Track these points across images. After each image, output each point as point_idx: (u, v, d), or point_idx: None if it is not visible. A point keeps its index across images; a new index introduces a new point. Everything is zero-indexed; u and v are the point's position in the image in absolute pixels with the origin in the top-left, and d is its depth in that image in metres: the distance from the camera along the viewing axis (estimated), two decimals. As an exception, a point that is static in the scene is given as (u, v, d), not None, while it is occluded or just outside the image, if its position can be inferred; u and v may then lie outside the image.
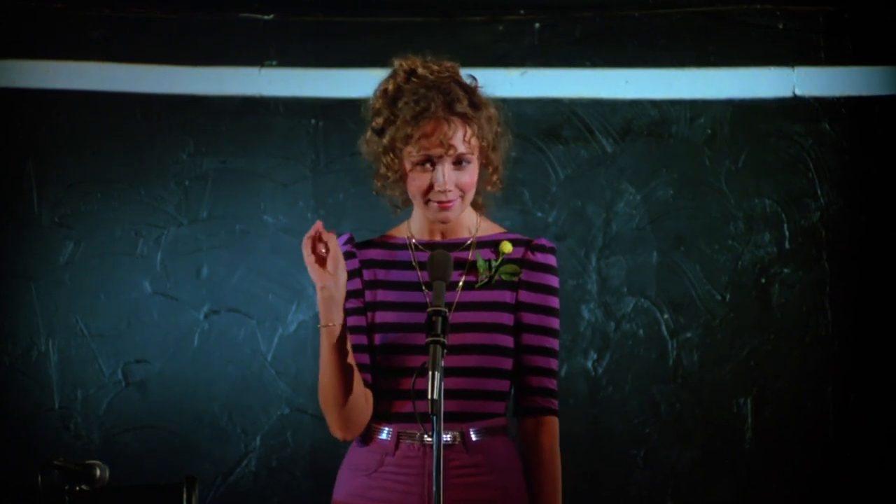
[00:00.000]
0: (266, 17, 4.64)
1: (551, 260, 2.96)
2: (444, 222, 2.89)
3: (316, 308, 4.54)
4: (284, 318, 4.57)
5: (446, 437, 2.84)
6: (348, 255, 2.94)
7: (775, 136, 4.60)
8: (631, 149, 4.62)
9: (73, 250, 4.58)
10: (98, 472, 2.86)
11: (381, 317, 2.90)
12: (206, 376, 4.55)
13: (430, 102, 2.80)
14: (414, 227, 2.96)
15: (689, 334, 4.57)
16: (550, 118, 4.62)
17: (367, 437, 2.91)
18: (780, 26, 4.61)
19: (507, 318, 2.91)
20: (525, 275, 2.92)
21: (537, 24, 4.64)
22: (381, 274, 2.93)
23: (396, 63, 2.90)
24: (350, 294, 2.91)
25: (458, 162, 2.84)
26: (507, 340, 2.90)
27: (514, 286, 2.92)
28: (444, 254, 2.75)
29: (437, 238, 2.94)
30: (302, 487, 4.52)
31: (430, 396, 2.52)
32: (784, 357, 4.55)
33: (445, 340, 2.58)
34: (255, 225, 4.60)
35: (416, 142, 2.81)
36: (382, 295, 2.92)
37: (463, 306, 2.87)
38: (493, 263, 2.91)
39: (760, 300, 4.57)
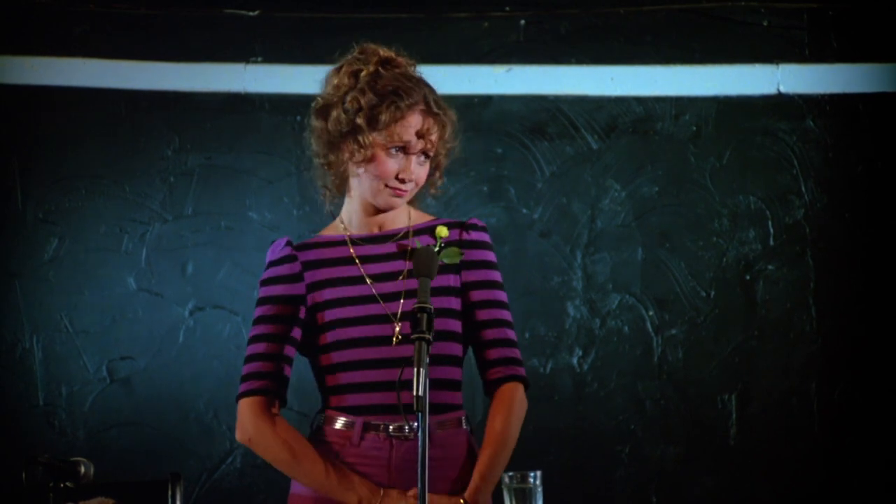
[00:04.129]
0: (251, 14, 4.64)
1: (485, 237, 3.01)
2: (390, 208, 2.94)
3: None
4: (269, 315, 4.56)
5: (414, 430, 2.86)
6: (289, 259, 2.96)
7: (760, 133, 4.61)
8: (616, 145, 4.63)
9: (57, 247, 4.57)
10: (82, 468, 2.85)
11: (332, 314, 2.92)
12: (192, 373, 4.54)
13: (415, 94, 2.88)
14: (350, 222, 3.00)
15: (674, 331, 4.57)
16: (536, 115, 4.63)
17: (329, 429, 2.91)
18: (765, 23, 4.62)
19: (454, 303, 2.94)
20: (465, 255, 2.96)
21: (523, 21, 4.64)
22: (324, 273, 2.95)
23: (359, 49, 2.95)
24: (289, 299, 2.92)
25: (423, 156, 2.92)
26: (457, 325, 2.94)
27: (456, 269, 2.95)
28: (429, 250, 2.78)
29: (375, 230, 2.99)
30: (286, 484, 4.51)
31: (415, 393, 2.52)
32: (768, 353, 4.56)
33: (431, 337, 2.60)
34: (241, 221, 4.60)
35: (399, 128, 2.87)
36: (329, 293, 2.93)
37: (411, 294, 2.88)
38: (434, 249, 2.93)
39: (745, 297, 4.58)
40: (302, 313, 2.93)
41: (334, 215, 3.06)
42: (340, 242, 2.98)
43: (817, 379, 4.54)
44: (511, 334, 2.97)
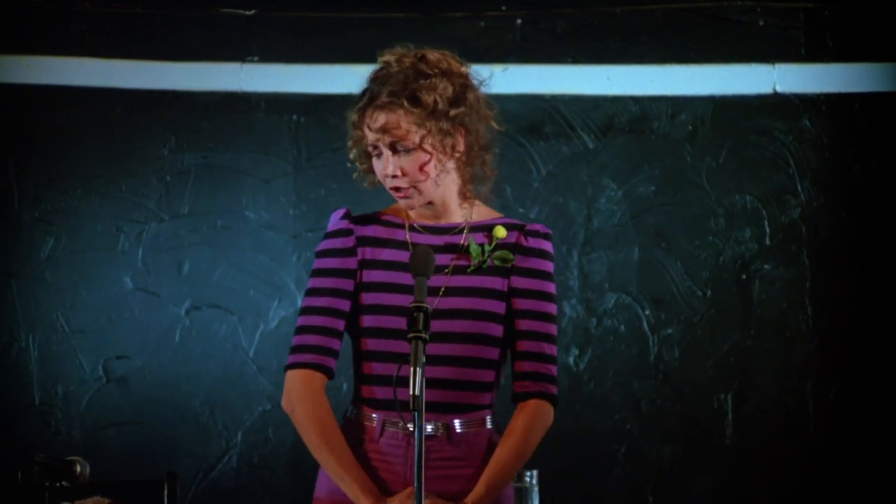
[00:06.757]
0: (248, 13, 4.64)
1: (545, 245, 2.96)
2: (409, 209, 2.92)
3: (297, 304, 4.55)
4: (266, 315, 4.56)
5: (429, 428, 2.83)
6: (345, 232, 2.94)
7: (756, 132, 4.61)
8: (612, 145, 4.63)
9: (53, 246, 4.57)
10: (78, 468, 2.85)
11: (373, 298, 2.89)
12: (188, 372, 4.54)
13: (371, 93, 2.85)
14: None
15: (670, 330, 4.58)
16: (532, 114, 4.63)
17: (355, 421, 2.91)
18: (761, 23, 4.63)
19: (497, 307, 2.89)
20: (518, 260, 2.91)
21: (519, 20, 4.64)
22: (377, 253, 2.92)
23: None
24: (341, 273, 2.91)
25: (396, 148, 2.86)
26: (496, 329, 2.89)
27: (506, 272, 2.91)
28: (426, 249, 2.76)
29: (431, 221, 2.95)
30: (283, 483, 4.52)
31: (411, 392, 2.52)
32: (765, 353, 4.57)
33: (427, 336, 2.58)
34: (237, 221, 4.60)
35: (362, 131, 2.87)
36: (375, 275, 2.91)
37: (452, 291, 2.86)
38: (486, 248, 2.91)
39: (741, 296, 4.58)
40: (352, 287, 2.91)
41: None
42: (399, 225, 2.95)
43: (813, 378, 4.55)
44: (549, 349, 2.91)
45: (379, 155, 2.87)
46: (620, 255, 4.59)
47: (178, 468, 4.13)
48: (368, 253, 2.93)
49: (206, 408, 4.54)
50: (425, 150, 2.87)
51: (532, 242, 2.94)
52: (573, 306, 4.56)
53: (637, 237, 4.60)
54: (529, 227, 2.96)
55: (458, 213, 2.96)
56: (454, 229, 2.95)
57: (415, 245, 2.88)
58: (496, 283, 2.90)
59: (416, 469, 2.53)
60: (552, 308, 2.94)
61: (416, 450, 2.52)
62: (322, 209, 4.55)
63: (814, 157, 4.60)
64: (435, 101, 2.86)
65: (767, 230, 4.60)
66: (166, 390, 4.54)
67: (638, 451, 4.54)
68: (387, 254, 2.92)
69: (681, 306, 4.58)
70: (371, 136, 2.85)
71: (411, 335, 2.57)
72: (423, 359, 2.55)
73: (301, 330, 2.92)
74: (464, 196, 2.97)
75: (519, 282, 2.91)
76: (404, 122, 2.84)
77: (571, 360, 4.56)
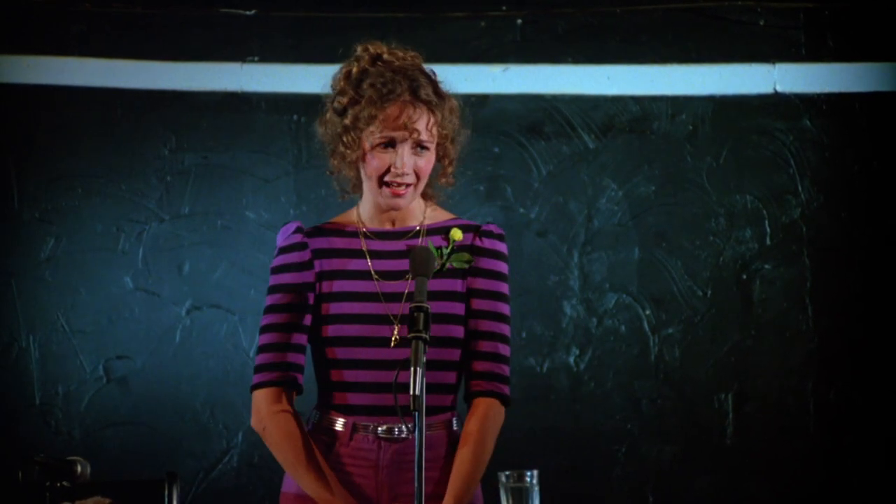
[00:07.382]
0: (248, 13, 4.64)
1: (500, 246, 2.98)
2: (395, 209, 2.92)
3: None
4: (266, 314, 4.56)
5: (396, 431, 2.86)
6: (300, 246, 2.95)
7: (756, 132, 4.61)
8: (613, 145, 4.63)
9: (53, 246, 4.57)
10: (79, 468, 2.85)
11: (335, 308, 2.90)
12: (188, 372, 4.54)
13: (397, 86, 2.84)
14: (363, 215, 2.98)
15: (670, 330, 4.58)
16: (532, 114, 4.63)
17: (321, 426, 2.91)
18: (761, 23, 4.63)
19: (458, 308, 2.92)
20: (475, 261, 2.94)
21: (519, 21, 4.64)
22: (335, 263, 2.93)
23: (360, 48, 2.93)
24: (300, 287, 2.92)
25: (418, 147, 2.87)
26: (459, 331, 2.92)
27: (463, 274, 2.93)
28: (426, 249, 2.77)
29: (388, 226, 2.96)
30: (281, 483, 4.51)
31: (412, 392, 2.52)
32: (765, 353, 4.57)
33: (427, 336, 2.58)
34: (237, 220, 4.60)
35: (379, 123, 2.84)
36: (335, 285, 2.92)
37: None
38: (445, 251, 2.92)
39: (741, 296, 4.58)
40: (311, 300, 2.92)
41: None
42: (353, 234, 2.96)
43: (814, 378, 4.55)
44: (503, 350, 2.94)
45: (388, 148, 2.86)
46: (621, 255, 4.59)
47: (179, 468, 4.13)
48: (326, 264, 2.93)
49: (206, 408, 4.54)
50: (436, 152, 2.90)
51: (487, 243, 2.97)
52: (573, 306, 4.56)
53: (637, 237, 4.60)
54: (484, 227, 2.98)
55: (414, 216, 2.97)
56: (410, 233, 2.96)
57: (382, 238, 2.91)
58: (456, 284, 2.93)
59: (416, 469, 2.53)
60: (506, 309, 2.97)
61: (416, 450, 2.53)
62: (322, 209, 4.55)
63: (814, 156, 4.60)
64: (453, 105, 2.93)
65: (768, 230, 4.60)
66: (167, 390, 4.54)
67: (638, 451, 4.54)
68: (343, 263, 2.93)
69: (681, 306, 4.58)
70: (392, 129, 2.84)
71: (412, 335, 2.58)
72: (424, 359, 2.55)
73: (265, 348, 2.93)
74: (426, 196, 2.99)
75: (475, 282, 2.94)
76: (435, 121, 2.87)
77: (572, 360, 4.56)
